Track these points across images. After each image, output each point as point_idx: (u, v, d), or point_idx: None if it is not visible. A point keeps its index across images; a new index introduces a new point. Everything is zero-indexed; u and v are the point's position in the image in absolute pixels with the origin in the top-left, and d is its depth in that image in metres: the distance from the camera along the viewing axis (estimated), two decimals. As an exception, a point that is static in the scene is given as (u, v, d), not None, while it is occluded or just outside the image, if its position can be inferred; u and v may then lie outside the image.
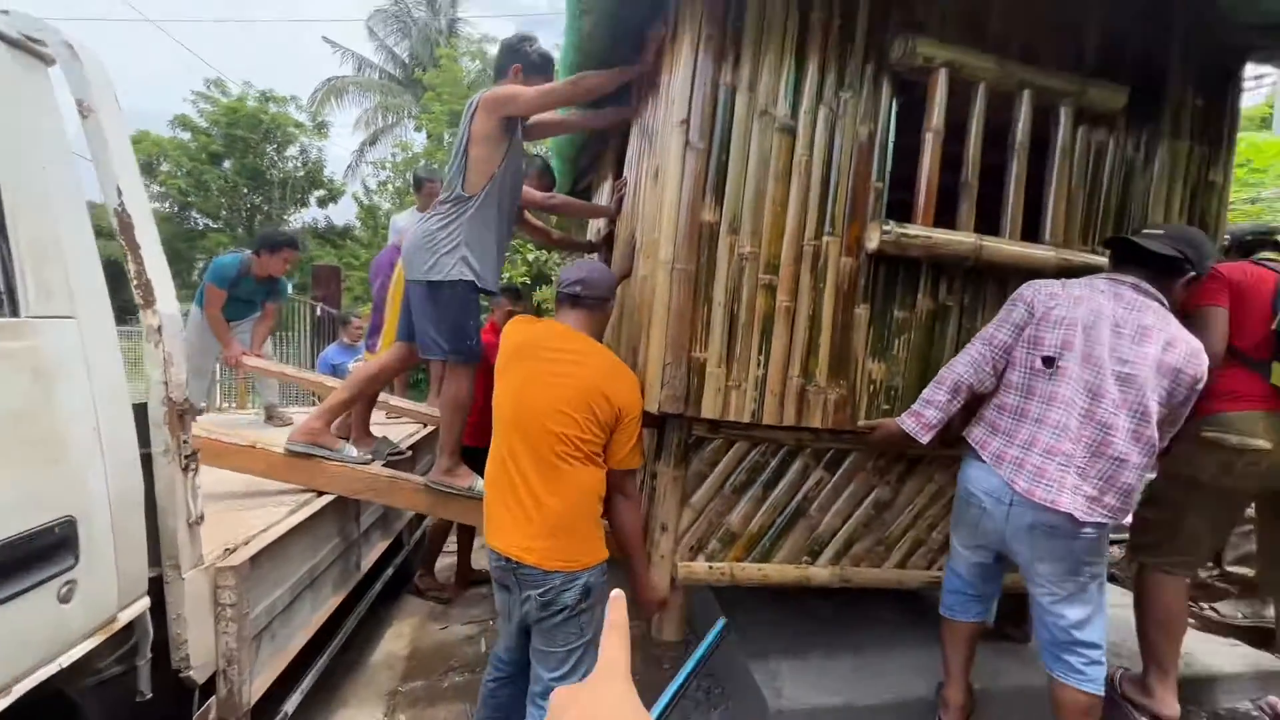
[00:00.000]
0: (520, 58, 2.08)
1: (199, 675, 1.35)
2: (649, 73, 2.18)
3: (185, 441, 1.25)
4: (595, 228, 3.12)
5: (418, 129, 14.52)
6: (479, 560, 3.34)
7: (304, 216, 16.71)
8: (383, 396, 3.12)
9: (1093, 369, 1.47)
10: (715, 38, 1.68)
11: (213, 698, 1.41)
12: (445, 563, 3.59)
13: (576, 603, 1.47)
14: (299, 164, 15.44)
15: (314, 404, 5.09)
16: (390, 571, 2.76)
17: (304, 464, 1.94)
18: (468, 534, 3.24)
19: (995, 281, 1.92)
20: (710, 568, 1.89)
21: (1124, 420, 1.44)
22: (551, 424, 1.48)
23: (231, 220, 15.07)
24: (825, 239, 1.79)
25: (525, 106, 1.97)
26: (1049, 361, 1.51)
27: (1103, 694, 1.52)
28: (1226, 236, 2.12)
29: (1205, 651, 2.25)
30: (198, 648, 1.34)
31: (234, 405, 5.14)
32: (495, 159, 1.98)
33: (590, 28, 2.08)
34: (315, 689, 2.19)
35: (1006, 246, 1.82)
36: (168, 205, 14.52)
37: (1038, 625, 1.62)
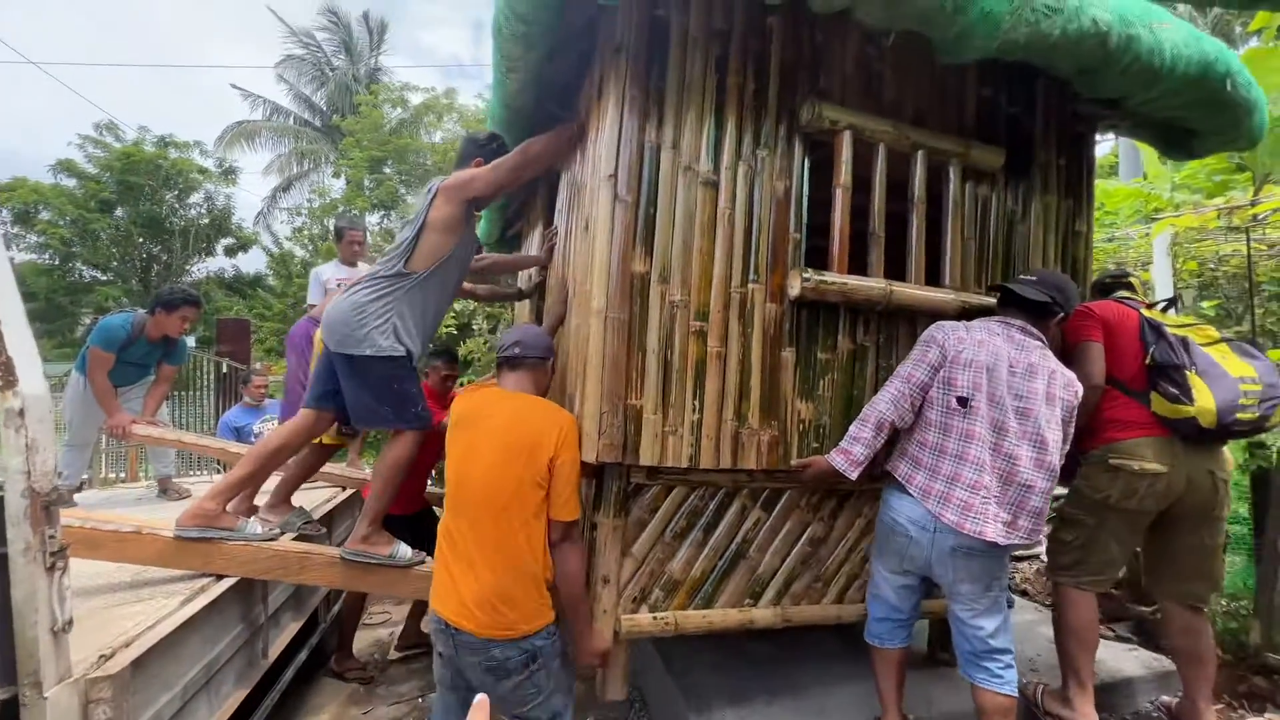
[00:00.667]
0: (484, 153, 2.12)
1: None
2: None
3: (52, 537, 1.09)
4: (527, 275, 3.10)
5: (336, 175, 14.14)
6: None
7: (209, 266, 15.73)
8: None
9: (997, 406, 1.62)
10: (639, 98, 1.76)
11: None
12: (369, 636, 3.32)
13: (523, 667, 1.47)
14: (203, 211, 14.63)
15: (220, 471, 4.65)
16: (304, 654, 2.53)
17: (200, 547, 1.76)
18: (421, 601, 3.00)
19: (905, 322, 2.07)
20: (654, 618, 1.85)
21: (1026, 450, 1.60)
22: (488, 493, 1.49)
23: (124, 271, 14.04)
24: (750, 286, 1.87)
25: (484, 186, 2.01)
26: (963, 401, 1.64)
27: (1017, 695, 1.68)
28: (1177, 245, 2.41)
29: (1109, 658, 2.42)
30: (65, 779, 1.14)
31: (124, 476, 4.55)
32: (449, 244, 2.00)
33: (516, 86, 2.13)
34: None
35: (914, 291, 1.97)
36: (47, 257, 13.38)
37: (958, 639, 1.75)
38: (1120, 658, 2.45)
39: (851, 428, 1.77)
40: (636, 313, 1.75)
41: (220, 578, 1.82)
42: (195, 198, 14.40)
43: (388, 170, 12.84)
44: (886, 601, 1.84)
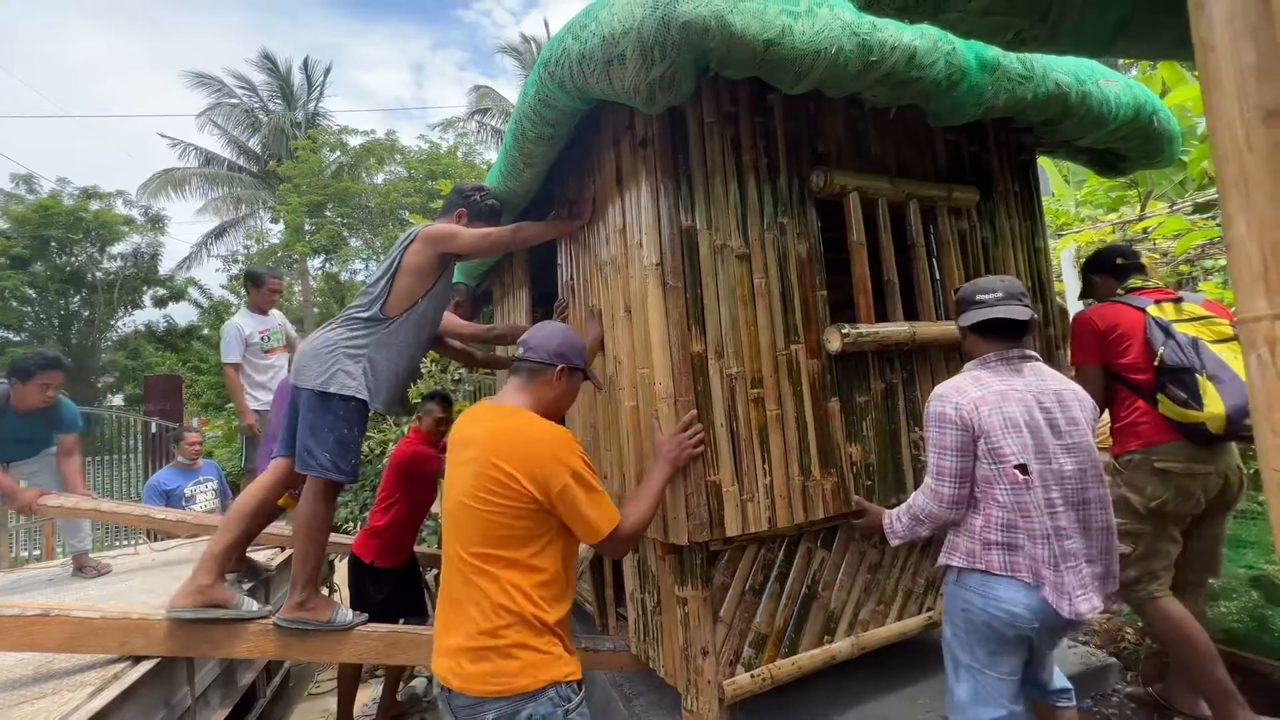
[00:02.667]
0: (470, 204, 2.17)
1: None
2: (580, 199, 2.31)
3: None
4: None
5: (274, 220, 13.43)
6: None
7: (137, 319, 14.49)
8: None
9: (1046, 457, 1.45)
10: (670, 186, 1.84)
11: None
12: (317, 706, 3.20)
13: None
14: (130, 263, 13.57)
15: (148, 540, 4.29)
16: None
17: (116, 626, 1.66)
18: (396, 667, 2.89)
19: (921, 355, 2.27)
20: (752, 676, 1.91)
21: (1092, 490, 1.47)
22: (463, 521, 1.30)
23: (40, 330, 13.06)
24: (794, 347, 1.99)
25: (463, 246, 2.06)
26: (1024, 469, 1.43)
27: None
28: (1082, 259, 2.66)
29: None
30: None
31: (40, 554, 4.04)
32: (421, 289, 2.04)
33: (531, 176, 2.16)
34: None
35: (932, 328, 2.16)
36: None
37: (1028, 688, 1.63)
38: (1060, 656, 2.47)
39: (905, 503, 1.67)
40: (701, 390, 1.82)
41: (139, 661, 1.70)
42: (120, 248, 13.41)
43: (328, 214, 12.27)
44: (1002, 706, 1.51)
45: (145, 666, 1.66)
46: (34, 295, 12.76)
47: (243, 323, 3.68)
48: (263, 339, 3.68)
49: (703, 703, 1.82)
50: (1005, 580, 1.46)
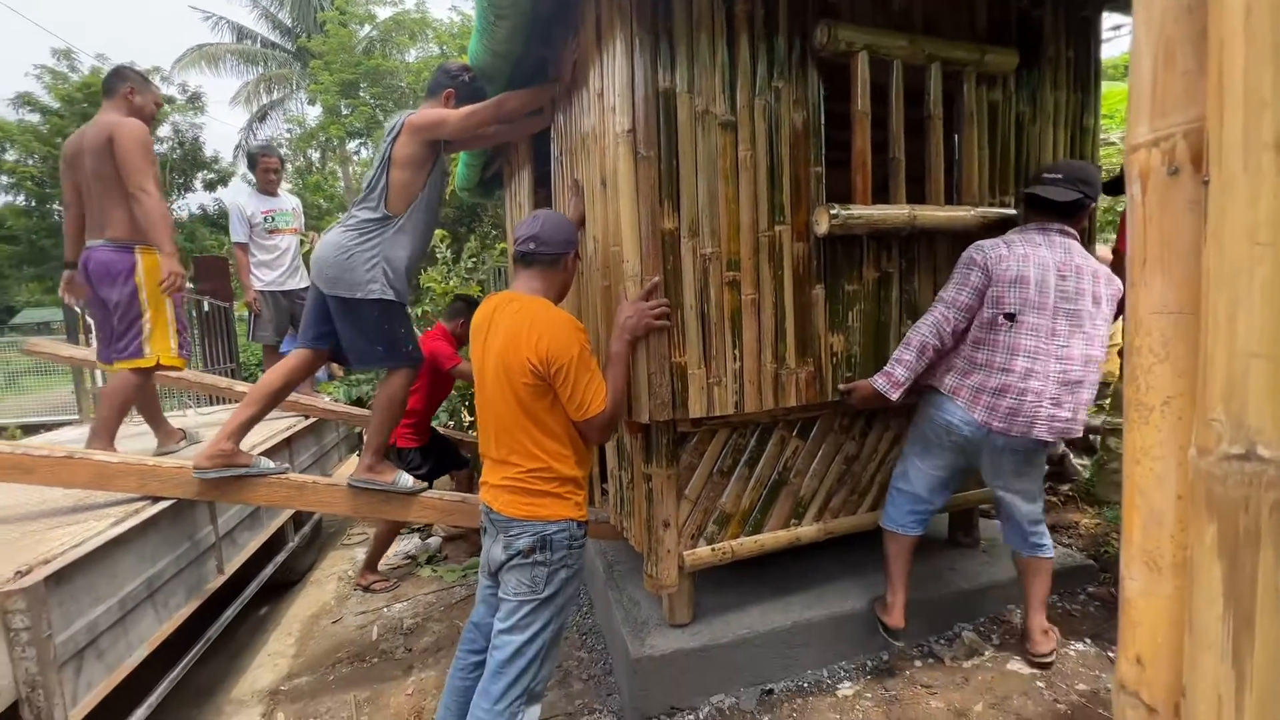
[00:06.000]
0: (457, 85, 2.09)
1: None
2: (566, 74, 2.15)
3: None
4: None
5: (310, 101, 13.21)
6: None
7: (190, 203, 14.76)
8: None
9: (1046, 314, 1.71)
10: (648, 40, 1.68)
11: None
12: (345, 555, 3.67)
13: (530, 549, 1.47)
14: (174, 145, 13.62)
15: (193, 404, 4.74)
16: (270, 570, 2.72)
17: (135, 470, 1.89)
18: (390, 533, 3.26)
19: (925, 244, 2.11)
20: (713, 550, 2.04)
21: (1077, 349, 1.72)
22: (494, 406, 1.52)
23: None
24: (778, 228, 1.89)
25: (451, 130, 2.00)
26: (1011, 317, 1.72)
27: (1053, 557, 2.02)
28: (1106, 171, 2.40)
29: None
30: (-15, 678, 1.28)
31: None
32: (419, 182, 2.02)
33: (505, 32, 2.00)
34: (187, 697, 2.29)
35: (935, 212, 1.99)
36: (21, 199, 12.67)
37: (1007, 523, 2.02)
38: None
39: (895, 351, 1.88)
40: (670, 270, 1.79)
41: (156, 500, 1.92)
42: (163, 130, 13.37)
43: (362, 93, 12.01)
44: (916, 494, 1.99)
45: (160, 506, 1.92)
46: None
47: (244, 202, 3.65)
48: (266, 219, 3.65)
49: (662, 569, 1.97)
50: (946, 399, 1.84)
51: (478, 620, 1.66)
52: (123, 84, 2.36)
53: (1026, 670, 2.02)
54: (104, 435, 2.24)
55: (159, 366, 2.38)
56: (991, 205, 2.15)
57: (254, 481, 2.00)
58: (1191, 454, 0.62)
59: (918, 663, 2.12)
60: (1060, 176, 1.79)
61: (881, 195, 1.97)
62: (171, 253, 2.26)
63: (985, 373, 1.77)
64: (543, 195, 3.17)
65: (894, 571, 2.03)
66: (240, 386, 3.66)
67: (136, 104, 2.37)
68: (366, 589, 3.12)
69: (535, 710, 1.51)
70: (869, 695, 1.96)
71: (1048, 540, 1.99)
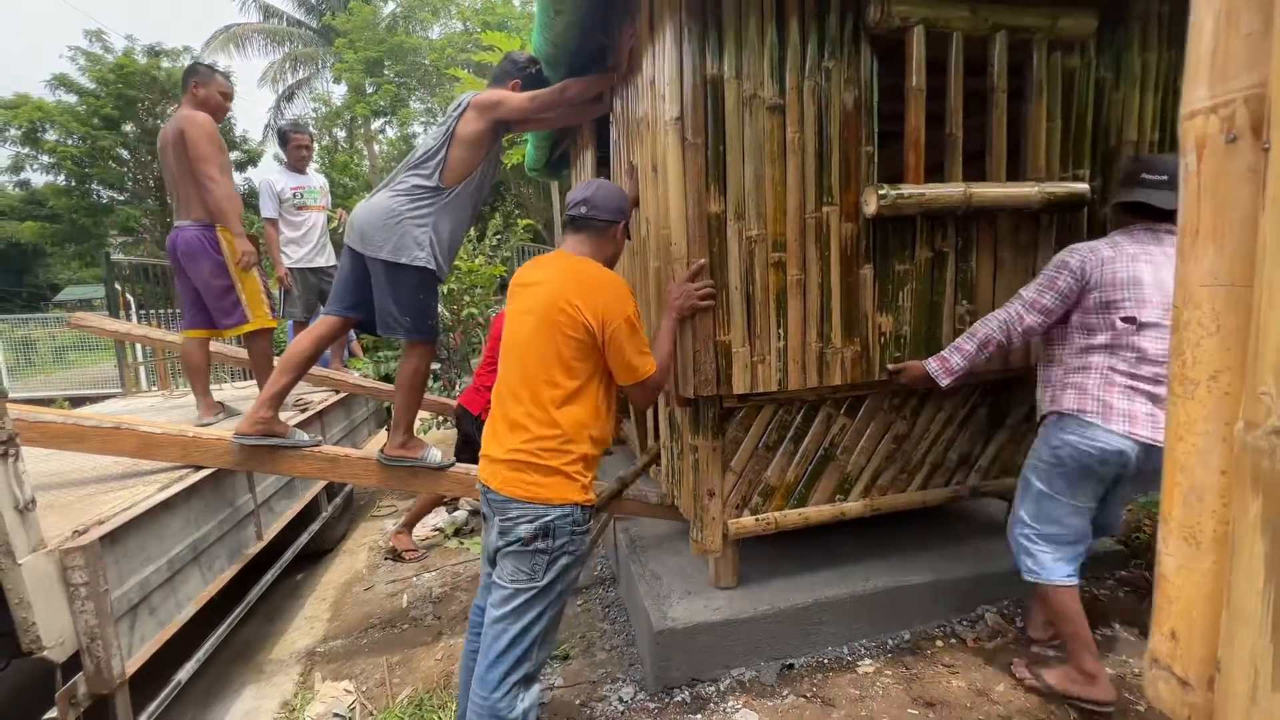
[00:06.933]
0: (524, 76, 2.18)
1: (57, 655, 1.41)
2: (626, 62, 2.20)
3: (1, 429, 1.31)
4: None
5: (336, 80, 13.46)
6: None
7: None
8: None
9: (1168, 312, 1.51)
10: (696, 29, 1.71)
11: (79, 674, 1.48)
12: (375, 526, 3.86)
13: (531, 537, 1.38)
14: None
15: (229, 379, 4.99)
16: (305, 538, 2.84)
17: (178, 441, 2.00)
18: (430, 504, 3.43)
19: (985, 221, 2.04)
20: (756, 520, 2.09)
21: None
22: (526, 357, 1.43)
23: (140, 190, 13.42)
24: (825, 210, 1.88)
25: (514, 112, 2.07)
26: (1131, 320, 1.59)
27: None
28: None
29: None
30: (50, 629, 1.40)
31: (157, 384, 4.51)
32: (476, 160, 2.09)
33: (563, 25, 2.07)
34: (228, 656, 2.43)
35: (992, 190, 1.92)
36: (62, 178, 13.13)
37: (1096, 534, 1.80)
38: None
39: (958, 339, 1.83)
40: (716, 252, 1.82)
41: (199, 469, 2.05)
42: None
43: (386, 71, 12.25)
44: (1072, 533, 1.74)
45: (204, 473, 2.07)
46: (127, 156, 12.81)
47: (274, 179, 3.72)
48: (294, 195, 3.72)
49: (707, 535, 2.05)
50: (1081, 423, 1.64)
51: (483, 605, 1.58)
52: (190, 79, 2.65)
53: (1050, 653, 1.97)
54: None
55: (263, 330, 2.68)
56: (1063, 179, 2.04)
57: (289, 453, 2.12)
58: (1238, 428, 0.61)
59: (939, 642, 2.11)
60: (1165, 178, 1.62)
61: (938, 173, 1.91)
62: (240, 233, 2.55)
63: (1109, 380, 1.62)
64: (604, 176, 3.24)
65: (1076, 632, 1.71)
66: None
67: (201, 96, 2.64)
68: (397, 556, 3.27)
69: (534, 690, 1.45)
70: (889, 672, 1.97)
71: None
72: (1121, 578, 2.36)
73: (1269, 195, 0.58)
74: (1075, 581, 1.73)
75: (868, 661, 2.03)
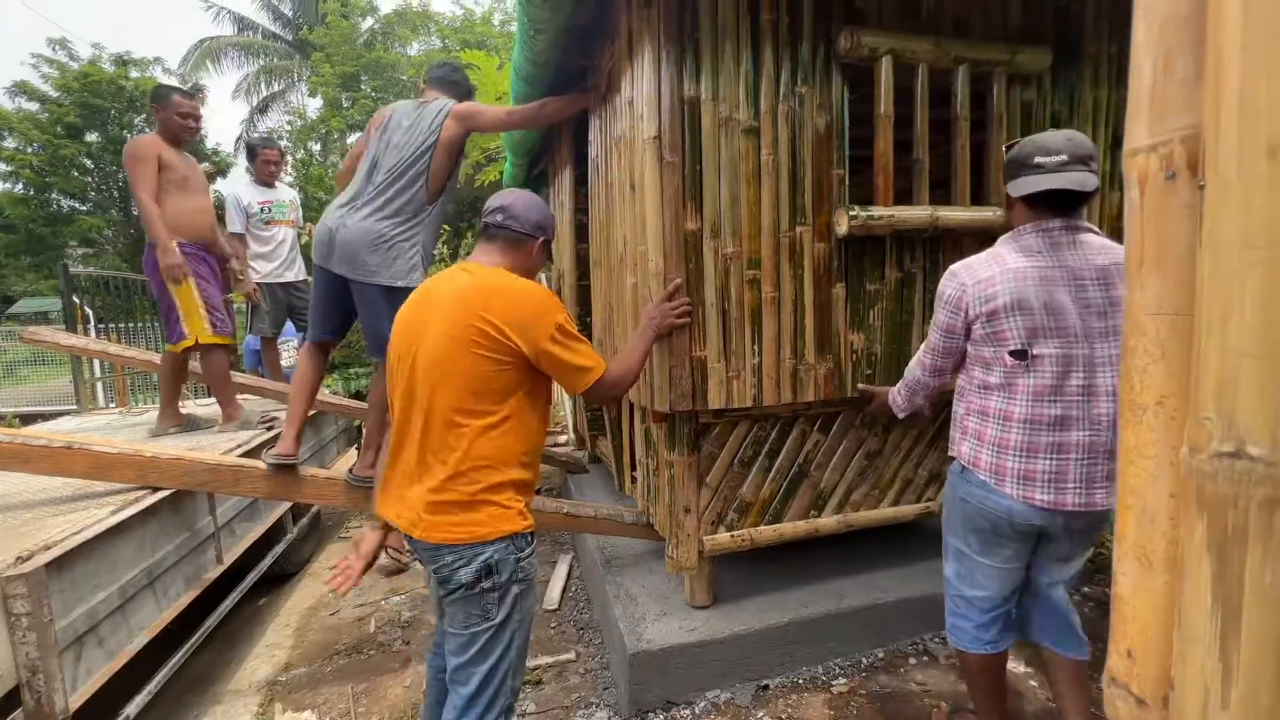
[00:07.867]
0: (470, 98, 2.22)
1: None
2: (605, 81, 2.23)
3: None
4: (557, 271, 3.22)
5: (311, 94, 13.34)
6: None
7: None
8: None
9: (1071, 341, 1.29)
10: (674, 52, 1.74)
11: (18, 710, 1.40)
12: (340, 549, 3.73)
13: (474, 580, 1.24)
14: None
15: (191, 396, 4.69)
16: (269, 561, 2.74)
17: (133, 461, 1.91)
18: None
19: (951, 244, 2.10)
20: (732, 536, 2.09)
21: (1109, 379, 1.29)
22: (439, 375, 1.26)
23: (103, 201, 13.17)
24: (799, 229, 1.92)
25: (489, 124, 2.14)
26: (1020, 354, 1.32)
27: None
28: None
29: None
30: (-14, 662, 1.28)
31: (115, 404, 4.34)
32: (451, 167, 2.11)
33: (543, 45, 2.10)
34: (183, 687, 2.29)
35: (957, 213, 1.99)
36: (19, 187, 12.69)
37: (1045, 617, 1.54)
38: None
39: (900, 383, 1.71)
40: (693, 269, 1.84)
41: (155, 490, 1.95)
42: None
43: (363, 86, 12.15)
44: (986, 595, 1.50)
45: (159, 495, 1.96)
46: (91, 166, 12.58)
47: (241, 193, 3.66)
48: (263, 210, 3.67)
49: (682, 552, 2.03)
50: (989, 486, 1.39)
51: (440, 640, 1.48)
52: (151, 103, 2.76)
53: (1020, 669, 2.00)
54: (226, 404, 2.69)
55: (198, 345, 2.68)
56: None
57: (253, 472, 2.05)
58: (1183, 452, 0.63)
59: (912, 660, 2.13)
60: (1064, 157, 1.27)
61: (908, 198, 1.97)
62: (164, 248, 2.54)
63: (1002, 428, 1.36)
64: (582, 194, 3.26)
65: (986, 701, 1.56)
66: (240, 378, 3.65)
67: (160, 120, 2.70)
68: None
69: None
70: (863, 691, 1.98)
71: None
72: (1086, 593, 2.41)
73: (1205, 231, 0.61)
74: (995, 649, 1.51)
75: (842, 681, 2.04)
